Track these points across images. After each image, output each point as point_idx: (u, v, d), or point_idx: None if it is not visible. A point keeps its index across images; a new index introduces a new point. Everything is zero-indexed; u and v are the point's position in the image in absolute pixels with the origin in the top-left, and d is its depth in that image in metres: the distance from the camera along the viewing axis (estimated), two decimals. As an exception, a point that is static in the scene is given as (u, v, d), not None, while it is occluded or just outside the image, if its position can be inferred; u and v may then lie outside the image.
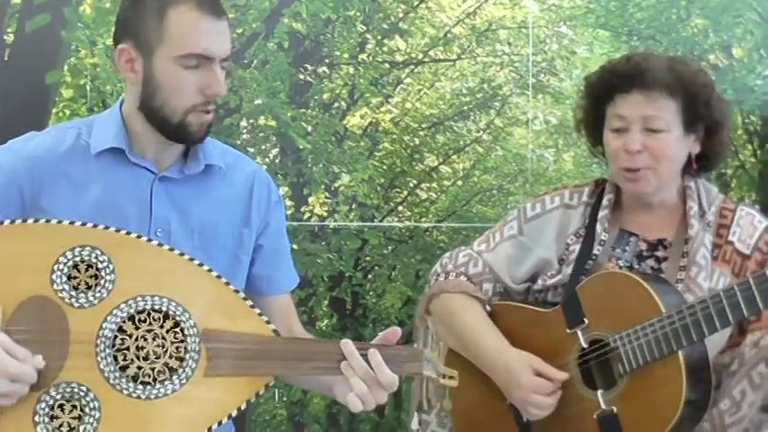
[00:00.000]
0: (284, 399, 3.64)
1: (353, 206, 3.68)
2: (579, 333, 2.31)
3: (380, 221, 3.69)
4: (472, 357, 2.41)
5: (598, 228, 2.36)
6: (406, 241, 3.70)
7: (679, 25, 3.76)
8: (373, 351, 1.94)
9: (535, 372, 2.31)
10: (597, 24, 3.76)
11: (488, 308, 2.45)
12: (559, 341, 2.32)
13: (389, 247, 3.69)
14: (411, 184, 3.72)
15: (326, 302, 3.67)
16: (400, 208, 3.71)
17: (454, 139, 3.75)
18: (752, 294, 2.08)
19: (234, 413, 1.91)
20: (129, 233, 1.95)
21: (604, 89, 2.35)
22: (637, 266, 2.35)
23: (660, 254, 2.35)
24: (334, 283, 3.67)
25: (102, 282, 1.90)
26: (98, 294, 1.90)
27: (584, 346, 2.30)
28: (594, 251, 2.35)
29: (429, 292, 2.48)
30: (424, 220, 3.70)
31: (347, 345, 1.94)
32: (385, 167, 3.71)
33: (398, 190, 3.72)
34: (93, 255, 1.92)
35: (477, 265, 2.46)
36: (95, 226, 1.94)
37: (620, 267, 2.35)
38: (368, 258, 3.68)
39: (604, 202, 2.39)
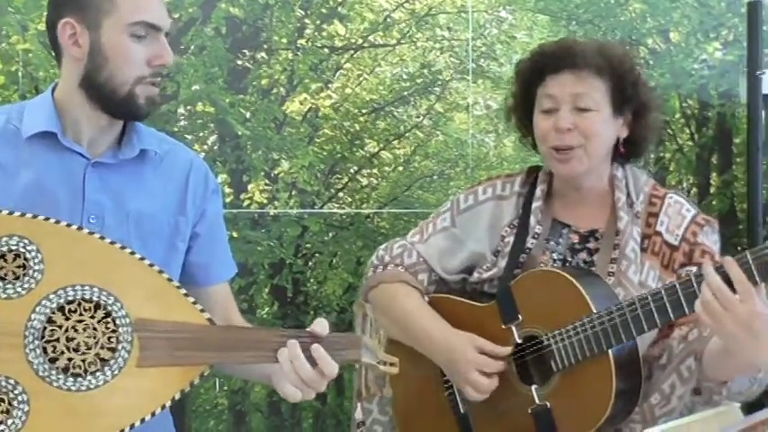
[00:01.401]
0: (225, 388, 3.61)
1: (293, 193, 3.65)
2: (514, 329, 2.33)
3: (321, 208, 3.67)
4: (413, 341, 2.42)
5: (532, 220, 2.38)
6: (347, 228, 3.69)
7: (617, 10, 3.78)
8: (316, 346, 1.94)
9: (478, 350, 2.33)
10: (536, 9, 3.77)
11: (426, 298, 2.45)
12: (494, 336, 2.35)
13: (330, 234, 3.67)
14: (352, 171, 3.70)
15: (267, 290, 3.64)
16: (341, 194, 3.69)
17: (395, 124, 3.73)
18: (678, 300, 2.10)
19: (168, 403, 1.90)
20: (58, 222, 1.92)
21: (535, 71, 2.38)
22: (570, 259, 2.38)
23: (592, 246, 2.39)
24: (274, 271, 3.64)
25: (31, 272, 1.87)
26: (26, 285, 1.87)
27: (519, 341, 2.33)
28: (528, 244, 2.37)
29: (367, 284, 2.49)
30: (365, 206, 3.68)
31: (294, 347, 1.93)
32: (325, 153, 3.68)
33: (339, 176, 3.69)
34: (21, 244, 1.88)
35: (412, 256, 2.48)
36: (23, 215, 1.91)
37: (554, 261, 2.38)
38: (308, 245, 3.65)
39: (537, 192, 2.41)
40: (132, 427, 1.84)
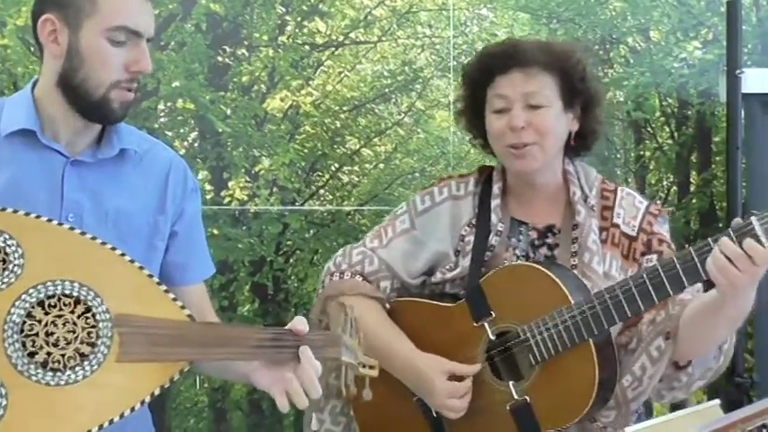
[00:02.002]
0: (206, 385, 3.60)
1: (274, 190, 3.65)
2: (486, 326, 2.34)
3: (302, 205, 3.66)
4: (379, 358, 2.40)
5: (493, 218, 2.40)
6: (328, 225, 3.68)
7: (597, 8, 3.79)
8: (304, 348, 1.93)
9: (447, 374, 2.33)
10: (517, 7, 3.78)
11: (387, 306, 2.44)
12: (465, 334, 2.35)
13: (311, 231, 3.67)
14: (332, 168, 3.70)
15: (248, 288, 3.64)
16: (322, 191, 3.69)
17: (375, 121, 3.73)
18: (661, 281, 2.17)
19: (148, 399, 1.89)
20: (39, 217, 1.92)
21: (483, 72, 2.41)
22: (532, 255, 2.41)
23: (551, 241, 2.42)
24: (255, 268, 3.64)
25: (11, 266, 1.86)
26: (6, 279, 1.87)
27: (492, 338, 2.33)
28: (492, 242, 2.38)
29: (324, 293, 2.47)
30: (345, 203, 3.68)
31: (305, 351, 1.93)
32: (306, 151, 3.68)
33: (320, 173, 3.69)
34: (1, 239, 1.88)
35: (373, 263, 2.47)
36: (4, 209, 1.90)
37: (517, 257, 2.40)
38: (289, 242, 3.65)
39: (495, 190, 2.44)
40: (111, 422, 1.84)
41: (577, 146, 2.45)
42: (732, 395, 3.51)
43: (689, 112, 3.82)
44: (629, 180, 3.84)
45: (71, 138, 2.08)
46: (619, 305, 2.20)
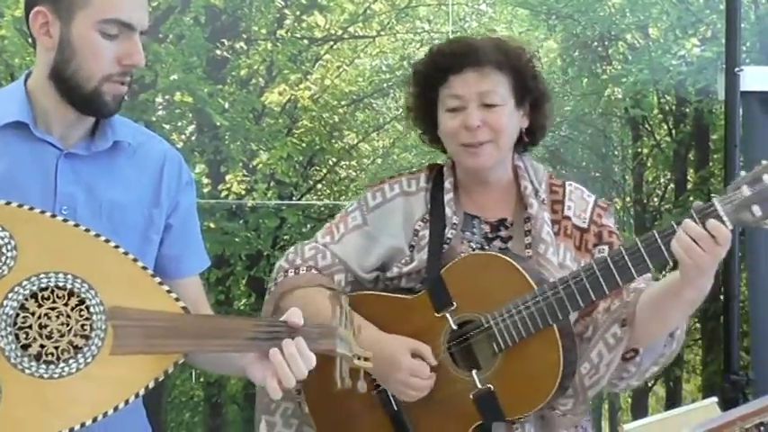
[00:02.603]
0: (201, 379, 3.60)
1: (272, 184, 3.64)
2: (448, 316, 2.35)
3: (299, 200, 3.66)
4: None
5: (448, 211, 2.43)
6: (326, 219, 3.65)
7: (597, 5, 3.79)
8: (299, 339, 1.92)
9: (413, 352, 2.34)
10: (516, 3, 3.77)
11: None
12: (427, 326, 2.36)
13: (308, 226, 3.67)
14: (330, 162, 3.70)
15: (244, 282, 3.64)
16: (319, 186, 3.69)
17: (374, 116, 3.73)
18: (625, 265, 2.21)
19: (142, 392, 1.89)
20: (32, 209, 1.90)
21: (436, 71, 2.43)
22: (487, 247, 2.44)
23: (504, 234, 2.45)
24: (252, 262, 3.63)
25: (3, 258, 1.85)
26: (-1, 271, 1.85)
27: (455, 327, 2.34)
28: (448, 235, 2.40)
29: (279, 289, 2.46)
30: (343, 198, 3.68)
31: (290, 346, 1.93)
32: (304, 145, 3.67)
33: (317, 168, 3.69)
34: (-7, 231, 1.86)
35: (326, 258, 2.48)
36: (-4, 201, 1.88)
37: (473, 250, 2.42)
38: (286, 237, 3.65)
39: (447, 185, 2.48)
40: (105, 415, 1.83)
41: (526, 142, 2.50)
42: (728, 393, 3.52)
43: (687, 110, 3.82)
44: (627, 177, 3.85)
45: (64, 130, 2.07)
46: (583, 289, 2.24)
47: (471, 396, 2.32)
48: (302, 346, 1.93)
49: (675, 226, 2.14)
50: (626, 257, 2.20)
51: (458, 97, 2.39)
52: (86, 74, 1.99)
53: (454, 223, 2.41)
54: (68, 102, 2.03)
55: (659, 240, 2.17)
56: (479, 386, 2.31)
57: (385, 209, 2.50)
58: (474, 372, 2.33)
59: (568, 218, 2.43)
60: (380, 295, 2.45)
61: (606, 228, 2.44)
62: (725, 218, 2.10)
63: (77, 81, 2.00)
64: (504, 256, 2.33)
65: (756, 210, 2.11)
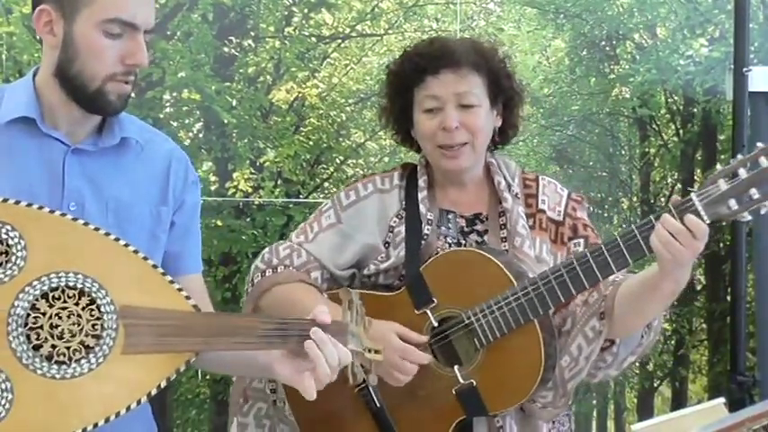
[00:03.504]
0: (207, 377, 3.60)
1: (279, 182, 3.64)
2: (429, 312, 2.37)
3: (306, 198, 3.66)
4: None
5: (422, 208, 2.46)
6: (332, 217, 3.67)
7: (605, 4, 3.78)
8: (315, 329, 1.93)
9: (400, 336, 2.36)
10: (524, 2, 3.77)
11: (325, 295, 2.45)
12: (407, 323, 2.38)
13: (315, 224, 3.66)
14: (337, 161, 3.69)
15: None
16: (326, 184, 3.68)
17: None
18: (605, 260, 2.25)
19: (154, 391, 1.89)
20: (42, 208, 1.90)
21: (413, 72, 2.45)
22: (463, 242, 2.47)
23: (479, 228, 2.47)
24: (258, 260, 3.62)
25: (14, 258, 1.85)
26: (9, 272, 1.85)
27: (435, 324, 2.36)
28: (425, 231, 2.42)
29: (258, 288, 2.47)
30: (349, 196, 3.67)
31: (317, 332, 1.93)
32: (311, 143, 3.67)
33: (324, 166, 3.68)
34: (4, 230, 1.87)
35: (302, 256, 2.49)
36: (5, 200, 1.88)
37: (450, 245, 2.44)
38: (293, 235, 3.64)
39: (421, 183, 2.50)
40: (118, 414, 1.83)
41: (498, 141, 2.54)
42: (734, 394, 3.52)
43: (695, 110, 3.81)
44: (634, 177, 3.84)
45: (71, 126, 2.07)
46: (563, 285, 2.27)
47: (454, 391, 2.34)
48: (321, 337, 1.93)
49: (654, 221, 2.17)
50: (606, 252, 2.24)
51: (435, 98, 2.41)
52: (90, 73, 1.99)
53: (429, 219, 2.43)
54: (73, 100, 2.02)
55: (638, 235, 2.20)
56: (462, 381, 2.33)
57: (359, 207, 2.51)
58: (456, 367, 2.35)
59: (543, 211, 2.46)
60: (359, 292, 2.46)
61: (580, 221, 2.48)
62: (702, 212, 2.13)
63: (81, 80, 1.99)
64: (483, 252, 2.36)
65: (733, 203, 2.14)
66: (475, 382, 2.33)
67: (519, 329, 2.29)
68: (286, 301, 2.39)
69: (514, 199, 2.45)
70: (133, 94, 3.42)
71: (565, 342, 2.37)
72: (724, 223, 3.68)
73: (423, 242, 2.42)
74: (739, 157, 2.15)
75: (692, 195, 2.15)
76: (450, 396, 2.34)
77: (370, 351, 2.04)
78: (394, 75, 2.51)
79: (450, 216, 2.48)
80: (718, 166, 3.77)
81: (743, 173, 2.13)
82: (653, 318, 2.35)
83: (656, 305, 2.29)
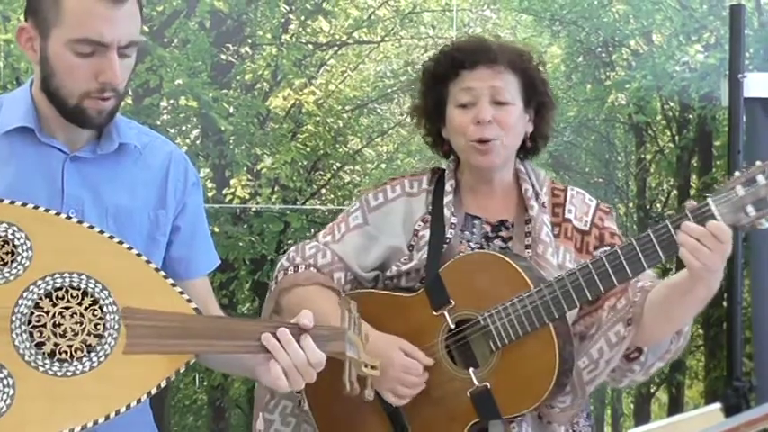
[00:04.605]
0: (205, 383, 3.60)
1: (276, 189, 3.65)
2: (446, 314, 2.37)
3: (303, 204, 3.67)
4: None
5: (446, 212, 2.45)
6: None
7: (600, 11, 3.80)
8: (305, 335, 1.94)
9: (404, 352, 2.35)
10: (520, 9, 3.79)
11: (343, 296, 2.45)
12: (424, 324, 2.38)
13: (312, 231, 3.67)
14: (334, 167, 3.71)
15: (248, 286, 3.64)
16: (323, 191, 3.70)
17: (378, 121, 3.74)
18: (620, 264, 2.23)
19: (154, 391, 1.90)
20: (47, 210, 1.93)
21: (449, 67, 2.45)
22: (486, 247, 2.46)
23: (504, 234, 2.47)
24: (255, 267, 3.64)
25: (19, 258, 1.87)
26: (14, 271, 1.87)
27: (452, 326, 2.36)
28: (447, 234, 2.42)
29: (279, 286, 2.48)
30: (347, 202, 3.68)
31: (285, 333, 1.94)
32: (308, 150, 3.68)
33: (321, 173, 3.70)
34: (10, 231, 1.88)
35: (326, 256, 2.49)
36: (13, 202, 1.91)
37: (472, 249, 2.43)
38: (290, 241, 3.65)
39: (447, 187, 2.50)
40: (118, 413, 1.84)
41: (529, 148, 2.51)
42: (731, 399, 3.52)
43: (690, 116, 3.83)
44: (630, 183, 3.86)
45: (69, 135, 2.07)
46: (579, 287, 2.26)
47: (468, 394, 2.33)
48: (311, 346, 1.94)
49: (669, 225, 2.16)
50: (621, 257, 2.22)
51: (470, 91, 2.40)
52: (66, 91, 1.99)
53: (453, 223, 2.43)
54: (59, 113, 2.03)
55: (654, 239, 2.19)
56: (476, 384, 2.33)
57: (386, 209, 2.51)
58: (471, 370, 2.34)
59: (569, 220, 2.45)
60: (378, 293, 2.47)
61: (608, 230, 2.45)
62: (719, 218, 2.11)
63: (60, 96, 2.00)
64: (501, 255, 2.35)
65: (750, 210, 2.12)
66: (489, 385, 2.31)
67: (534, 333, 2.28)
68: (305, 303, 2.38)
69: (540, 207, 2.43)
70: (130, 101, 3.49)
71: (586, 345, 2.36)
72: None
73: (445, 246, 2.41)
74: (758, 163, 2.14)
75: (709, 200, 2.13)
76: (464, 398, 2.33)
77: (366, 366, 2.04)
78: (429, 71, 2.50)
79: (475, 221, 2.47)
80: (714, 172, 3.80)
81: (761, 179, 2.11)
82: (683, 324, 2.33)
83: (687, 311, 2.27)
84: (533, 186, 2.47)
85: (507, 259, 2.32)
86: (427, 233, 2.44)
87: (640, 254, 2.20)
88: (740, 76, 3.54)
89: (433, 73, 2.48)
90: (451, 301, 2.36)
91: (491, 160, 2.41)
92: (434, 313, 2.37)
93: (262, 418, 2.54)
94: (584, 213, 2.46)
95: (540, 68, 2.48)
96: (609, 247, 2.40)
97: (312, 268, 2.47)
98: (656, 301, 2.28)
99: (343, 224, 2.53)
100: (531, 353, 2.29)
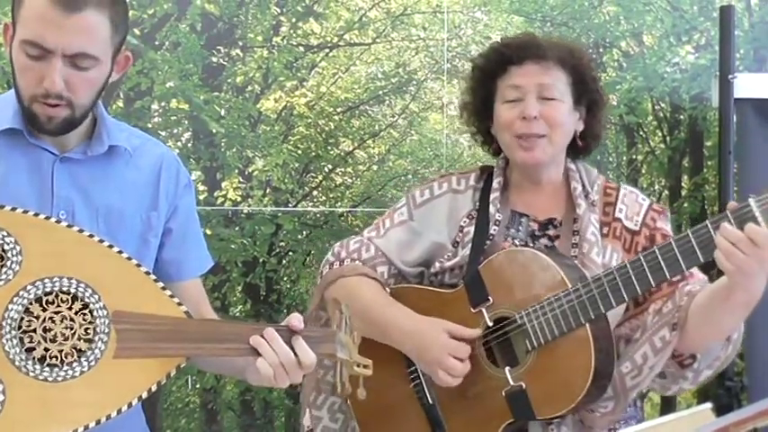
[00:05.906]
0: (197, 386, 3.60)
1: (267, 191, 3.65)
2: (484, 311, 2.35)
3: (295, 206, 3.67)
4: (379, 333, 2.41)
5: (492, 209, 2.42)
6: (321, 226, 3.69)
7: (591, 12, 3.81)
8: (296, 337, 1.94)
9: (449, 334, 2.34)
10: (511, 10, 3.79)
11: (387, 290, 2.45)
12: (462, 320, 2.35)
13: (304, 233, 3.68)
14: (326, 169, 3.71)
15: (240, 288, 3.64)
16: (315, 193, 3.70)
17: (369, 123, 3.74)
18: (657, 264, 2.18)
19: (145, 395, 1.90)
20: (37, 214, 1.93)
21: (498, 63, 2.43)
22: (531, 245, 2.42)
23: (551, 232, 2.45)
24: (247, 269, 3.64)
25: (9, 263, 1.86)
26: (4, 276, 1.87)
27: (490, 324, 2.34)
28: (491, 231, 2.40)
29: (325, 279, 2.48)
30: (339, 204, 3.69)
31: (272, 332, 1.94)
32: (299, 152, 3.68)
33: (313, 174, 3.70)
34: (0, 236, 1.87)
35: (370, 250, 2.49)
36: (2, 207, 1.90)
37: (517, 246, 2.40)
38: (282, 244, 3.65)
39: (494, 184, 2.46)
40: (108, 417, 1.84)
41: (579, 147, 2.47)
42: (722, 399, 3.53)
43: (681, 117, 3.84)
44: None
45: (57, 137, 2.07)
46: (615, 287, 2.21)
47: (503, 393, 2.30)
48: (303, 346, 1.95)
49: (709, 225, 2.12)
50: (659, 257, 2.17)
51: (517, 87, 2.37)
52: (21, 92, 1.99)
53: (498, 220, 2.41)
54: None
55: (693, 240, 2.14)
56: (511, 383, 2.30)
57: (431, 205, 2.50)
58: (507, 369, 2.31)
59: (619, 220, 2.40)
60: (421, 288, 2.46)
61: (660, 231, 2.40)
62: (760, 219, 2.06)
63: (19, 97, 2.01)
64: (540, 253, 2.32)
65: None
66: (524, 385, 2.28)
67: (571, 334, 2.24)
68: (349, 293, 2.38)
69: (589, 206, 2.39)
70: (121, 104, 3.49)
71: (630, 349, 2.31)
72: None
73: (488, 242, 2.39)
74: None
75: (750, 201, 2.07)
76: (499, 397, 2.30)
77: (358, 365, 2.04)
78: (478, 67, 2.47)
79: (522, 219, 2.44)
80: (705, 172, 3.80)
81: None
82: (729, 330, 2.26)
83: (730, 317, 2.20)
84: (583, 185, 2.43)
85: (546, 257, 2.29)
86: (472, 230, 2.42)
87: (678, 254, 2.16)
88: (731, 76, 3.54)
89: (482, 69, 2.46)
90: (490, 298, 2.33)
91: (535, 156, 2.37)
92: (472, 310, 2.34)
93: (309, 414, 2.53)
94: (636, 213, 2.41)
95: (591, 65, 2.44)
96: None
97: (357, 261, 2.47)
98: (700, 305, 2.23)
99: (389, 220, 2.53)
100: (566, 354, 2.25)
